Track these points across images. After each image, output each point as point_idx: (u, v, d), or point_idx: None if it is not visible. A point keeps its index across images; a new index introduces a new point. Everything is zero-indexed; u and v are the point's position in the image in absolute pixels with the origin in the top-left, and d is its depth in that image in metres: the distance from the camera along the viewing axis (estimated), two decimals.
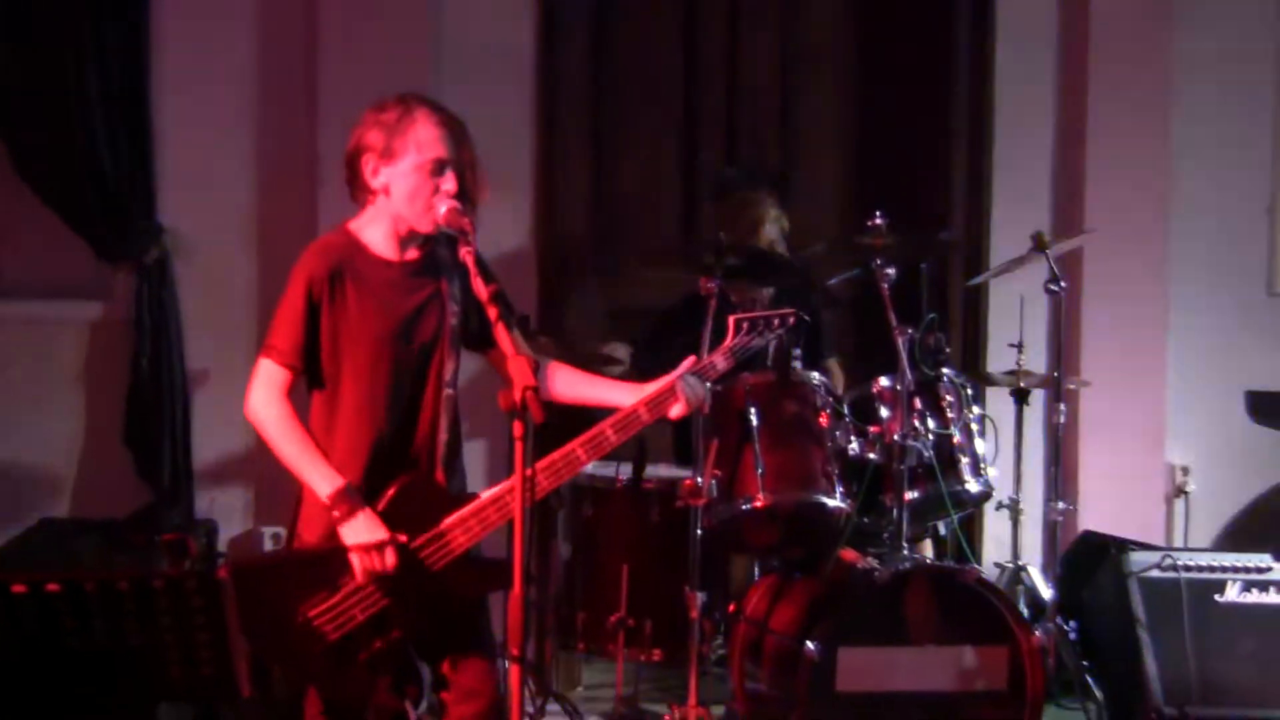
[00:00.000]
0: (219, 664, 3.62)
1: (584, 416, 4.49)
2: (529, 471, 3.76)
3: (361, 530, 4.16)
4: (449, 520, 4.22)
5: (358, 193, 4.32)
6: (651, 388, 4.46)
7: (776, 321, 4.77)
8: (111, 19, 6.39)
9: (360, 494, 4.18)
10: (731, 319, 4.74)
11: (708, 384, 4.60)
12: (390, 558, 4.16)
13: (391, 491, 4.20)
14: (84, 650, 3.53)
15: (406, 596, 4.20)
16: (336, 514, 4.15)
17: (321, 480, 4.18)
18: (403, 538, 4.18)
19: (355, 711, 4.26)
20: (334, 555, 4.18)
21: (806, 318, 5.01)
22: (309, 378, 4.28)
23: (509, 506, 4.12)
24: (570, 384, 4.54)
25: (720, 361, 4.67)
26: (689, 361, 4.58)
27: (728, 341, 4.70)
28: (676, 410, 4.48)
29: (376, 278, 4.27)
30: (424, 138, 4.23)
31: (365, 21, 6.53)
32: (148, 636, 3.55)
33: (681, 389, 4.47)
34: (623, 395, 4.47)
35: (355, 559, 4.16)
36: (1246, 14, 7.25)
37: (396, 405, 4.27)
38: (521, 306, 6.23)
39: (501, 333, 4.00)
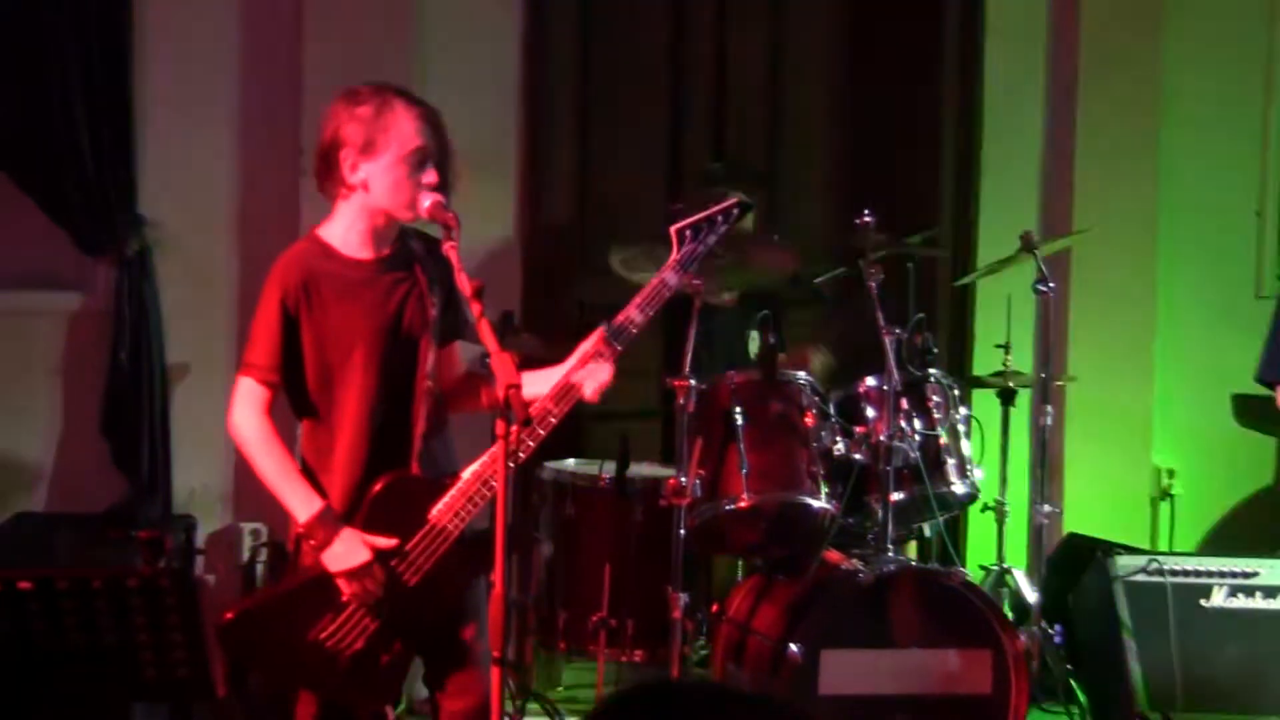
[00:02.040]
0: (194, 664, 3.59)
1: None
2: (513, 465, 3.73)
3: (343, 556, 4.11)
4: (436, 510, 4.17)
5: (330, 186, 4.24)
6: (557, 374, 4.29)
7: (720, 218, 4.53)
8: (93, 6, 6.33)
9: (357, 497, 4.15)
10: (672, 230, 4.50)
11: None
12: (377, 577, 4.12)
13: (375, 491, 4.15)
14: (57, 649, 3.49)
15: (412, 597, 4.16)
16: (314, 542, 4.11)
17: (300, 504, 4.14)
18: (393, 542, 4.13)
19: (348, 713, 4.23)
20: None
21: (749, 202, 4.68)
22: (292, 393, 4.23)
23: (493, 480, 4.01)
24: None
25: (671, 278, 4.43)
26: (597, 334, 4.33)
27: (673, 256, 4.47)
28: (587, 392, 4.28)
29: (354, 279, 4.22)
30: (404, 130, 4.17)
31: (350, 10, 6.48)
32: (122, 635, 3.51)
33: (581, 380, 4.27)
34: (538, 385, 4.29)
35: (342, 585, 4.11)
36: (1234, 17, 7.25)
37: (387, 403, 4.22)
38: (505, 302, 6.20)
39: (485, 328, 3.95)
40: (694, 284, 5.06)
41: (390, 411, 4.23)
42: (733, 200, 4.57)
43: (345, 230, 4.25)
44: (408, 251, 4.31)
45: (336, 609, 4.13)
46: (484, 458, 4.16)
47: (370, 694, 4.21)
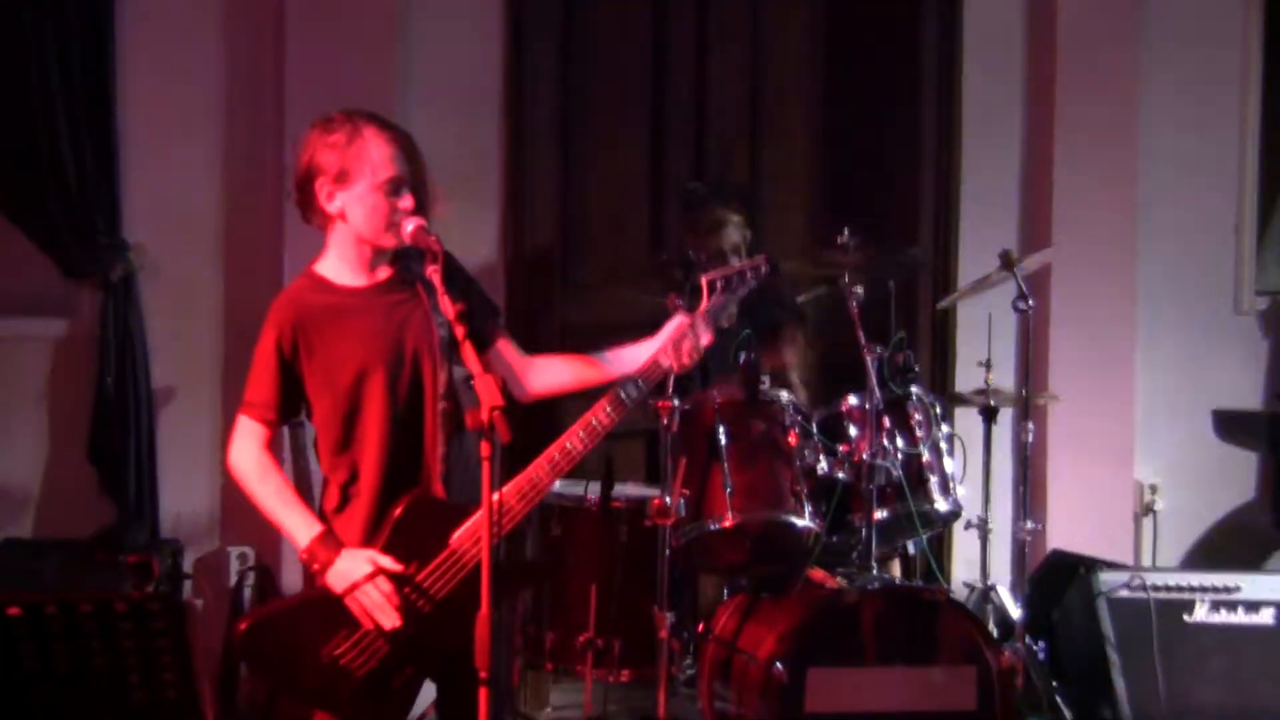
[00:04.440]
0: (182, 686, 3.59)
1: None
2: (500, 492, 3.74)
3: (346, 573, 4.11)
4: (458, 534, 4.17)
5: (311, 215, 4.26)
6: (651, 346, 4.45)
7: (749, 273, 4.69)
8: (76, 32, 6.34)
9: (380, 521, 4.16)
10: (704, 279, 4.63)
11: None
12: (385, 586, 4.11)
13: (396, 514, 4.14)
14: (46, 673, 3.50)
15: (428, 621, 4.15)
16: (316, 566, 4.11)
17: (300, 528, 4.15)
18: (399, 567, 4.12)
19: None
20: None
21: (778, 262, 4.87)
22: (317, 428, 4.26)
23: (517, 510, 4.15)
24: (564, 372, 4.52)
25: (700, 323, 4.54)
26: (677, 321, 4.51)
27: (703, 305, 4.59)
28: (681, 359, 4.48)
29: (350, 308, 4.21)
30: (377, 158, 4.16)
31: (332, 36, 6.49)
32: (110, 659, 3.52)
33: (672, 343, 4.46)
34: (619, 364, 4.44)
35: (351, 605, 4.11)
36: (1212, 34, 7.29)
37: (398, 428, 4.21)
38: None
39: (468, 352, 3.95)
40: (676, 303, 5.05)
41: (408, 434, 4.22)
42: (761, 258, 4.72)
43: (337, 260, 4.26)
44: (409, 271, 4.30)
45: (351, 626, 4.12)
46: (504, 488, 4.17)
47: (381, 716, 4.19)
